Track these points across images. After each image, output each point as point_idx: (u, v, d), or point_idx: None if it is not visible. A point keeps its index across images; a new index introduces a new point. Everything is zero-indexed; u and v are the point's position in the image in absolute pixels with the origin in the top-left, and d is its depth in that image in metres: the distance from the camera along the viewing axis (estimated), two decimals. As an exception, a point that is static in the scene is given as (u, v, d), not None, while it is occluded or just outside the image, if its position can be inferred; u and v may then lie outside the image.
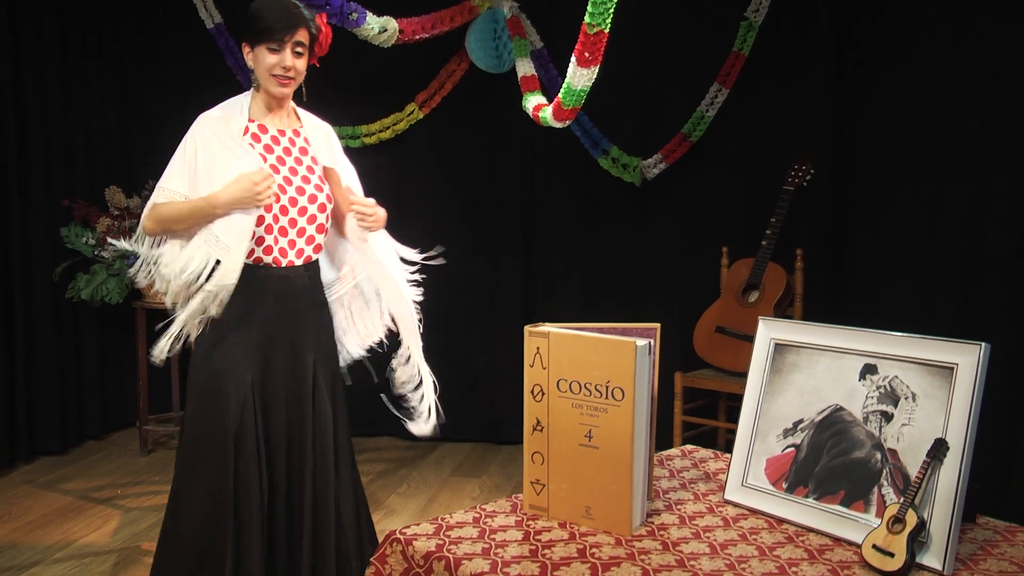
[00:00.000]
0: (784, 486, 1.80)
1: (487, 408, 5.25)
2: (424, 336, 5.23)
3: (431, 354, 5.20)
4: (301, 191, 2.58)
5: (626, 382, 1.66)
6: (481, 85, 5.10)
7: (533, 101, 4.48)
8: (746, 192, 4.74)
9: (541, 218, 5.14)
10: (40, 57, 4.75)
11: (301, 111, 2.79)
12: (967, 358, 1.62)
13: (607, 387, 1.68)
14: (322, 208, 2.63)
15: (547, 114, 4.11)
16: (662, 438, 4.56)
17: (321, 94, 5.14)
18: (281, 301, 2.57)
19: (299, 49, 2.54)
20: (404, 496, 4.42)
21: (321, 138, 2.74)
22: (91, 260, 4.74)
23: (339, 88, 5.20)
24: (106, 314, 5.08)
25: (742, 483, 1.86)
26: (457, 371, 5.28)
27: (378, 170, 5.25)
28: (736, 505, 1.85)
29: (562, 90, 3.68)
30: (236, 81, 4.98)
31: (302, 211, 2.58)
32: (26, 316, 4.71)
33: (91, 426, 5.14)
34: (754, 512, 1.81)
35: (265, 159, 2.54)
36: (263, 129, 2.61)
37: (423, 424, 2.78)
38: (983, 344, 1.61)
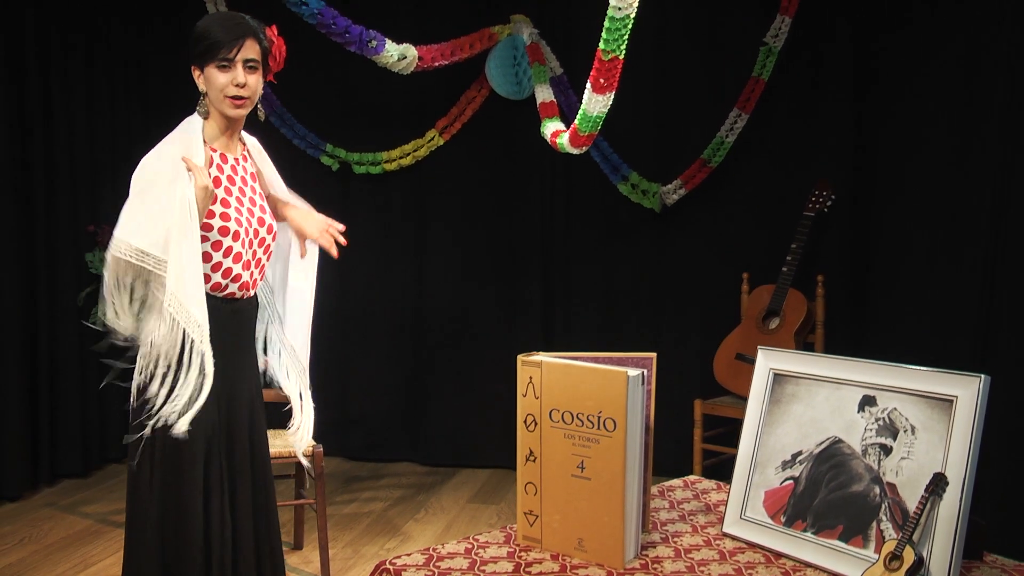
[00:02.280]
0: (783, 519, 1.76)
1: (506, 434, 5.21)
2: (443, 361, 5.25)
3: (449, 379, 5.24)
4: (261, 221, 2.47)
5: (618, 412, 1.64)
6: (501, 111, 5.12)
7: (551, 127, 4.48)
8: (766, 218, 4.71)
9: (561, 244, 5.13)
10: (68, 85, 4.84)
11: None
12: (967, 390, 1.58)
13: (599, 417, 1.66)
14: (274, 236, 2.53)
15: (564, 140, 4.11)
16: (682, 466, 4.52)
17: (341, 120, 5.23)
18: (238, 333, 2.47)
19: (251, 64, 2.36)
20: (421, 522, 4.40)
21: (263, 160, 2.61)
22: (115, 285, 4.80)
23: (359, 114, 5.26)
24: (129, 339, 5.13)
25: (740, 516, 1.83)
26: (476, 396, 5.27)
27: (398, 196, 5.30)
28: (734, 538, 1.82)
29: (578, 116, 3.68)
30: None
31: (261, 241, 2.47)
32: (50, 340, 4.76)
33: (114, 449, 5.17)
34: (752, 546, 1.78)
35: (230, 191, 2.40)
36: (223, 158, 2.44)
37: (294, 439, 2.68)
38: (983, 376, 1.57)
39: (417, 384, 5.36)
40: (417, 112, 5.18)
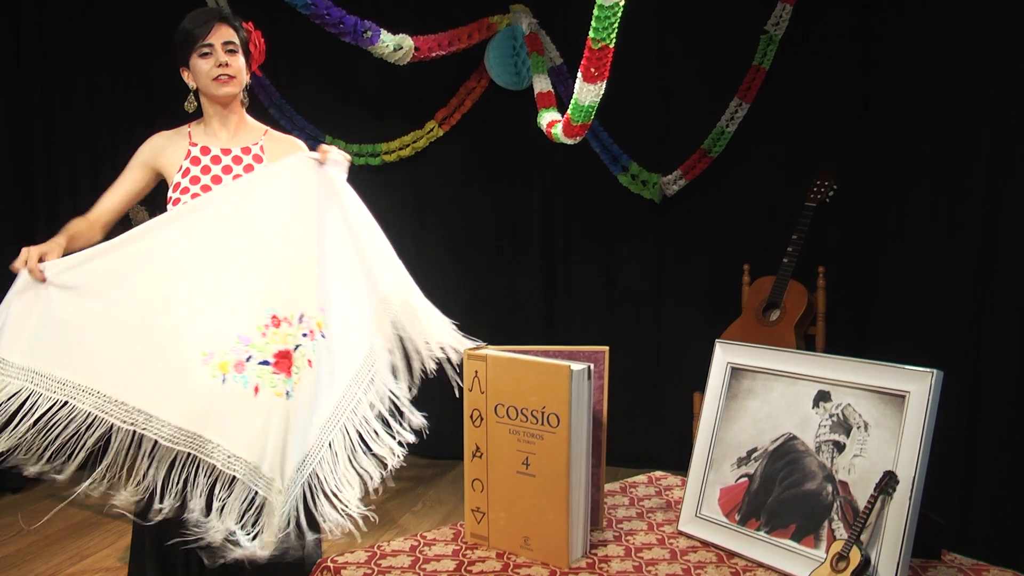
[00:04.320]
0: (737, 518, 1.72)
1: (507, 427, 5.18)
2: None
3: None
4: None
5: (561, 408, 1.60)
6: (501, 102, 5.08)
7: (547, 117, 4.44)
8: (767, 209, 4.64)
9: (561, 234, 5.09)
10: (68, 78, 4.85)
11: (274, 131, 2.66)
12: (919, 386, 1.52)
13: (543, 413, 1.63)
14: None
15: (559, 130, 4.07)
16: (682, 459, 4.46)
17: (341, 112, 5.21)
18: None
19: (231, 47, 2.47)
20: (418, 515, 4.38)
21: (279, 152, 2.57)
22: (115, 278, 4.81)
23: (359, 106, 5.24)
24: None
25: (696, 514, 1.78)
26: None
27: (398, 187, 5.27)
28: (689, 537, 1.77)
29: (570, 106, 3.63)
30: (258, 100, 5.04)
31: None
32: (52, 333, 4.79)
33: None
34: (706, 544, 1.73)
35: (197, 180, 2.48)
36: (204, 151, 2.53)
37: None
38: (934, 371, 1.51)
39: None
40: (417, 103, 5.14)
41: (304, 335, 2.10)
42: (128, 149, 5.20)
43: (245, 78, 2.53)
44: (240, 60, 2.49)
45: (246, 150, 2.56)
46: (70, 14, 4.85)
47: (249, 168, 2.54)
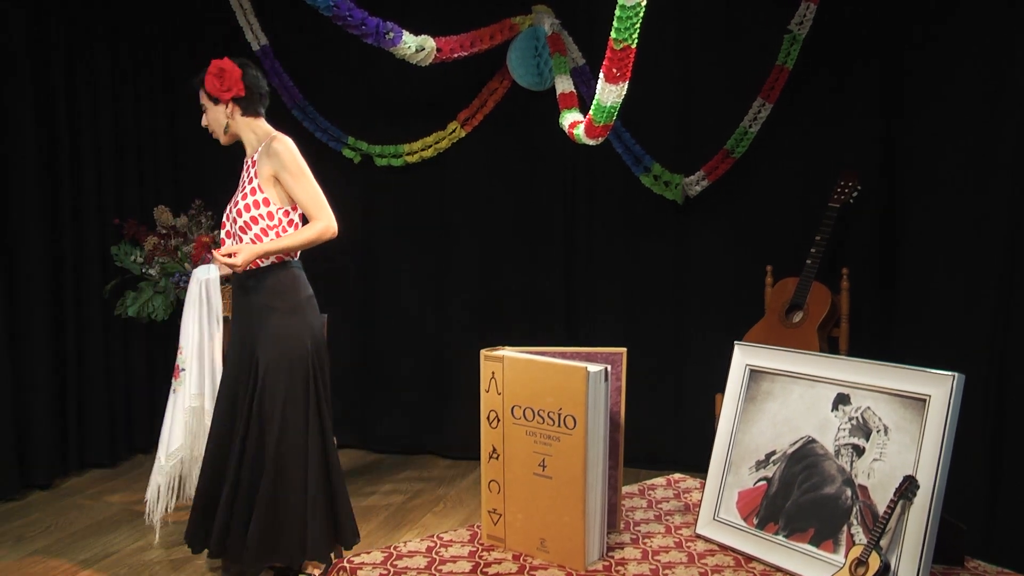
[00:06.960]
0: (755, 521, 1.71)
1: (529, 428, 5.17)
2: (466, 354, 5.22)
3: (472, 372, 5.21)
4: (227, 215, 3.14)
5: (578, 410, 1.60)
6: (523, 103, 5.07)
7: (569, 118, 4.43)
8: (791, 209, 4.61)
9: (583, 235, 5.07)
10: (93, 79, 4.89)
11: (277, 136, 3.13)
12: (939, 389, 1.51)
13: (559, 414, 1.62)
14: (231, 235, 3.15)
15: (581, 131, 4.06)
16: (705, 461, 4.44)
17: (363, 113, 5.23)
18: (236, 300, 3.20)
19: (203, 107, 3.19)
20: (439, 516, 4.39)
21: (264, 163, 3.10)
22: (139, 277, 4.85)
23: (381, 107, 5.25)
24: (154, 330, 5.18)
25: (714, 517, 1.77)
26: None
27: (420, 189, 5.28)
28: (707, 540, 1.76)
29: (592, 107, 3.63)
30: (281, 102, 5.06)
31: (227, 235, 3.14)
32: (77, 332, 4.83)
33: (141, 439, 5.24)
34: (724, 548, 1.72)
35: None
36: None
37: None
38: (956, 375, 1.49)
39: (440, 377, 5.35)
40: (439, 104, 5.15)
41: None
42: (151, 146, 5.28)
43: (222, 122, 3.14)
44: (210, 114, 3.17)
45: (251, 159, 3.15)
46: (95, 13, 4.90)
47: (251, 177, 3.11)
